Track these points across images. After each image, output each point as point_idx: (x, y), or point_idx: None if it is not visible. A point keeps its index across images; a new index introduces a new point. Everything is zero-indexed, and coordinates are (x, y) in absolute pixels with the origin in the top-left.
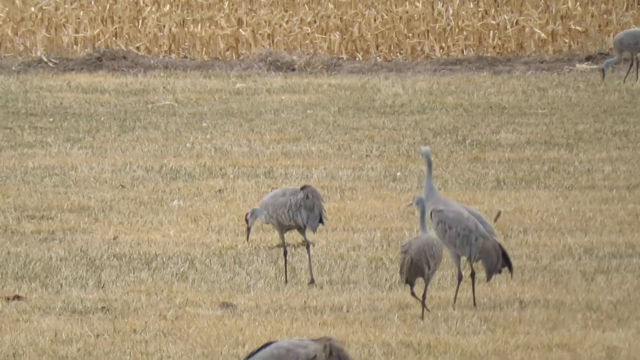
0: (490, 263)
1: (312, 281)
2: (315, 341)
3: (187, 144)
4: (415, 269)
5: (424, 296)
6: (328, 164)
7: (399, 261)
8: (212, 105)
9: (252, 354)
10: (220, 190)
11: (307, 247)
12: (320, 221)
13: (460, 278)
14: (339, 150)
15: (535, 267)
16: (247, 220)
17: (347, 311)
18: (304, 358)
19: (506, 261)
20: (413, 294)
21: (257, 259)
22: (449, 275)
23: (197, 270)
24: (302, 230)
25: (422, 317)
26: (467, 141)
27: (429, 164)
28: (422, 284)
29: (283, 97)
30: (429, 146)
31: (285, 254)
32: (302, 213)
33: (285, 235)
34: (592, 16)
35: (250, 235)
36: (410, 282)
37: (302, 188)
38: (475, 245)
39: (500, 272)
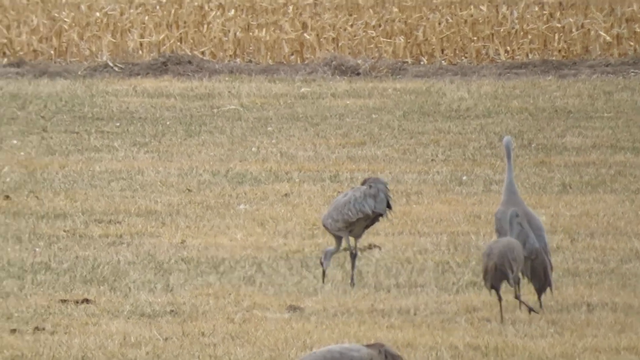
0: (538, 282)
1: (353, 284)
2: (369, 346)
3: (253, 148)
4: (500, 274)
5: (518, 297)
6: (393, 168)
7: (482, 266)
8: (277, 110)
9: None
10: (286, 194)
11: (353, 257)
12: (388, 206)
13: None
14: (405, 154)
15: (602, 270)
16: (322, 264)
17: (415, 314)
18: None
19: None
20: (500, 297)
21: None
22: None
23: (264, 274)
24: (367, 226)
25: (530, 311)
26: (533, 145)
27: (509, 155)
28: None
29: (348, 102)
30: (510, 137)
31: (354, 257)
32: (368, 201)
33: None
34: None
35: (325, 277)
36: (495, 287)
37: (364, 182)
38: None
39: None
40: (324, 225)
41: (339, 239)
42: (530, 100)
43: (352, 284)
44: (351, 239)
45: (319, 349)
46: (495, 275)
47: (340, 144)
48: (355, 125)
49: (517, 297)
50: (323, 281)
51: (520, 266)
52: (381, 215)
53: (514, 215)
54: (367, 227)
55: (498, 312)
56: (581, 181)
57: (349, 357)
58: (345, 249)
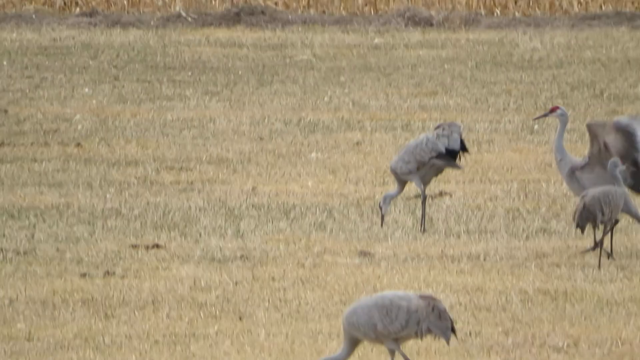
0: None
1: (423, 230)
2: (421, 297)
3: (325, 98)
4: (587, 213)
5: (601, 242)
6: (465, 117)
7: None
8: (350, 60)
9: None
10: (358, 142)
11: (423, 202)
12: (463, 147)
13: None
14: (476, 104)
15: None
16: (380, 208)
17: (485, 260)
18: (405, 310)
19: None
20: (598, 244)
21: (395, 209)
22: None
23: (335, 220)
24: (441, 167)
25: (599, 266)
26: (605, 95)
27: (563, 125)
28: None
29: (421, 52)
30: (565, 107)
31: (424, 201)
32: (442, 139)
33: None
34: None
35: (384, 219)
36: (581, 226)
37: (437, 127)
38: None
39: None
40: (393, 170)
41: (402, 185)
42: (602, 51)
43: (423, 229)
44: (410, 184)
45: None
46: (582, 214)
47: (413, 94)
48: (428, 76)
49: (598, 241)
50: (382, 225)
51: (616, 213)
52: (454, 157)
53: (614, 165)
54: (437, 174)
55: (567, 258)
56: None
57: (397, 305)
58: (416, 197)
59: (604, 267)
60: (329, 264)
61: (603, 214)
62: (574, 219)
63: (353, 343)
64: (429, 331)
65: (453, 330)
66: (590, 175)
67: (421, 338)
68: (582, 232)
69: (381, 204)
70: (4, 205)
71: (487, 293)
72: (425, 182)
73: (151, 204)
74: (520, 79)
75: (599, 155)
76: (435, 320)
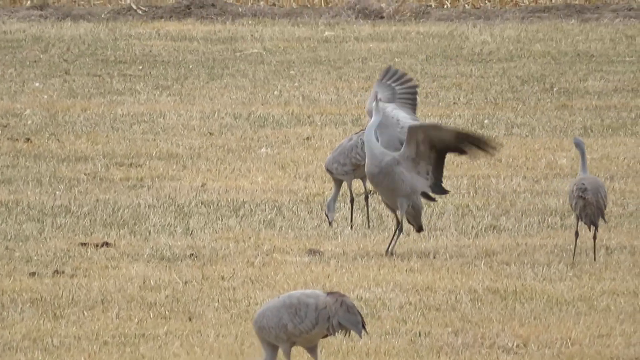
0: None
1: (368, 227)
2: (329, 294)
3: (275, 92)
4: (598, 211)
5: (594, 236)
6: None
7: (578, 204)
8: (300, 54)
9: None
10: (307, 137)
11: (366, 197)
12: None
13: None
14: (427, 97)
15: (621, 213)
16: (327, 216)
17: (434, 258)
18: (313, 308)
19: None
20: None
21: (344, 206)
22: (535, 223)
23: (284, 217)
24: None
25: (595, 259)
26: (555, 89)
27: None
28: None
29: (371, 45)
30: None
31: (352, 201)
32: None
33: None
34: None
35: (332, 223)
36: (595, 223)
37: None
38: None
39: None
40: (328, 170)
41: (338, 185)
42: (552, 44)
43: (369, 225)
44: (357, 182)
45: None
46: (596, 211)
47: (363, 88)
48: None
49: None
50: (331, 225)
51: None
52: None
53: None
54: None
55: (517, 256)
56: (602, 124)
57: (305, 303)
58: (357, 194)
59: (553, 265)
60: (279, 263)
61: (605, 206)
62: (581, 218)
63: (272, 347)
64: (340, 326)
65: (364, 324)
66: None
67: (334, 334)
68: (597, 229)
69: (326, 212)
70: None
71: (436, 292)
72: (361, 176)
73: (101, 201)
74: (470, 72)
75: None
76: (345, 315)
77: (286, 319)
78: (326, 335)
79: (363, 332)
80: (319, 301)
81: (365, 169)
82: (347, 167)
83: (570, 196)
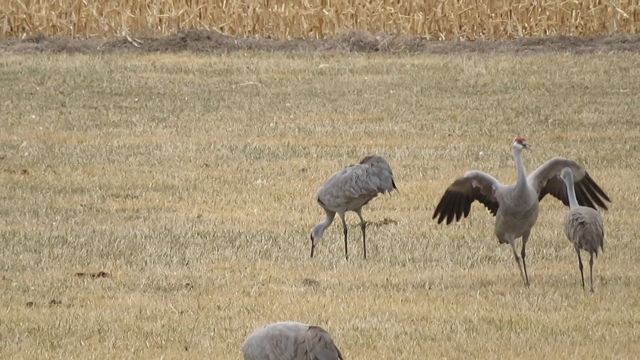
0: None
1: (364, 257)
2: (310, 328)
3: (271, 124)
4: (597, 237)
5: (591, 262)
6: (410, 144)
7: (579, 232)
8: (296, 86)
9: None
10: (303, 169)
11: (363, 228)
12: (393, 184)
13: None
14: (422, 129)
15: (616, 244)
16: (312, 239)
17: (429, 288)
18: (292, 341)
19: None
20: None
21: (340, 237)
22: (530, 254)
23: (280, 248)
24: (366, 202)
25: (592, 289)
26: (550, 121)
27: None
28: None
29: (366, 78)
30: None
31: (363, 228)
32: (372, 179)
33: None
34: None
35: (314, 252)
36: (595, 249)
37: (364, 160)
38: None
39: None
40: (319, 201)
41: (331, 215)
42: (547, 76)
43: (365, 256)
44: (350, 213)
45: (334, 322)
46: (596, 238)
47: (358, 120)
48: (373, 101)
49: (590, 262)
50: (312, 255)
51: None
52: (382, 192)
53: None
54: (366, 202)
55: (512, 286)
56: (597, 156)
57: (285, 336)
58: (359, 224)
59: (548, 296)
60: (274, 293)
61: (603, 233)
62: (581, 246)
63: None
64: None
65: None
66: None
67: None
68: (597, 255)
69: (313, 234)
70: None
71: (432, 322)
72: (355, 208)
73: (97, 231)
74: (465, 104)
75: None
76: (322, 350)
77: (268, 349)
78: None
79: None
80: (299, 335)
81: (516, 207)
82: (340, 200)
83: (566, 226)
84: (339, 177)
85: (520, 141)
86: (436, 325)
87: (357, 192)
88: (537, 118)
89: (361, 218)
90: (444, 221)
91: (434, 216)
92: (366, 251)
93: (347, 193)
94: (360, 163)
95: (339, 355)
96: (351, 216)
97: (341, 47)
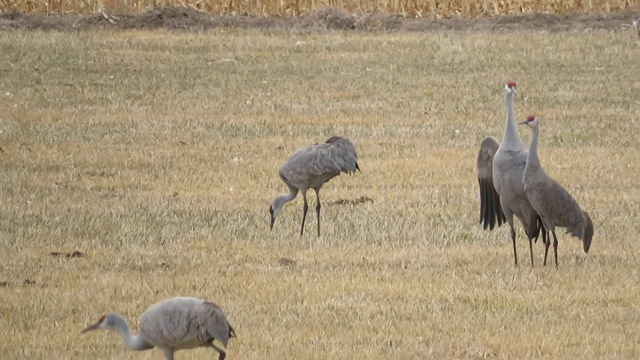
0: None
1: (318, 235)
2: (204, 304)
3: (247, 102)
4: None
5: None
6: (387, 121)
7: (585, 225)
8: (272, 63)
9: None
10: (280, 147)
11: (317, 209)
12: (356, 166)
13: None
14: (398, 107)
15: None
16: (271, 212)
17: (405, 267)
18: (186, 316)
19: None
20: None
21: (314, 215)
22: (506, 232)
23: (256, 227)
24: (326, 181)
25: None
26: (526, 98)
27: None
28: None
29: (343, 55)
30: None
31: (305, 208)
32: (337, 159)
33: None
34: None
35: (274, 224)
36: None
37: (330, 140)
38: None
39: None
40: (282, 176)
41: (294, 190)
42: (523, 54)
43: (319, 234)
44: (311, 191)
45: (310, 302)
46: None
47: (335, 97)
48: (350, 79)
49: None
50: (271, 228)
51: None
52: (345, 172)
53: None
54: (328, 180)
55: (488, 265)
56: (572, 134)
57: (179, 311)
58: (337, 202)
59: (523, 275)
60: (251, 272)
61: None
62: (587, 238)
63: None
64: (208, 335)
65: (231, 335)
66: None
67: (204, 343)
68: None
69: (273, 207)
70: None
71: (407, 301)
72: (315, 187)
73: (72, 210)
74: (441, 82)
75: None
76: (213, 325)
77: (162, 324)
78: (208, 344)
79: (229, 340)
80: (192, 310)
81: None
82: (303, 176)
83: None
84: (304, 154)
85: (511, 85)
86: (412, 304)
87: (321, 170)
88: (513, 96)
89: (318, 198)
90: (487, 224)
91: (480, 221)
92: (320, 231)
93: (311, 170)
94: (327, 142)
95: (231, 330)
96: (330, 192)
97: (318, 24)
